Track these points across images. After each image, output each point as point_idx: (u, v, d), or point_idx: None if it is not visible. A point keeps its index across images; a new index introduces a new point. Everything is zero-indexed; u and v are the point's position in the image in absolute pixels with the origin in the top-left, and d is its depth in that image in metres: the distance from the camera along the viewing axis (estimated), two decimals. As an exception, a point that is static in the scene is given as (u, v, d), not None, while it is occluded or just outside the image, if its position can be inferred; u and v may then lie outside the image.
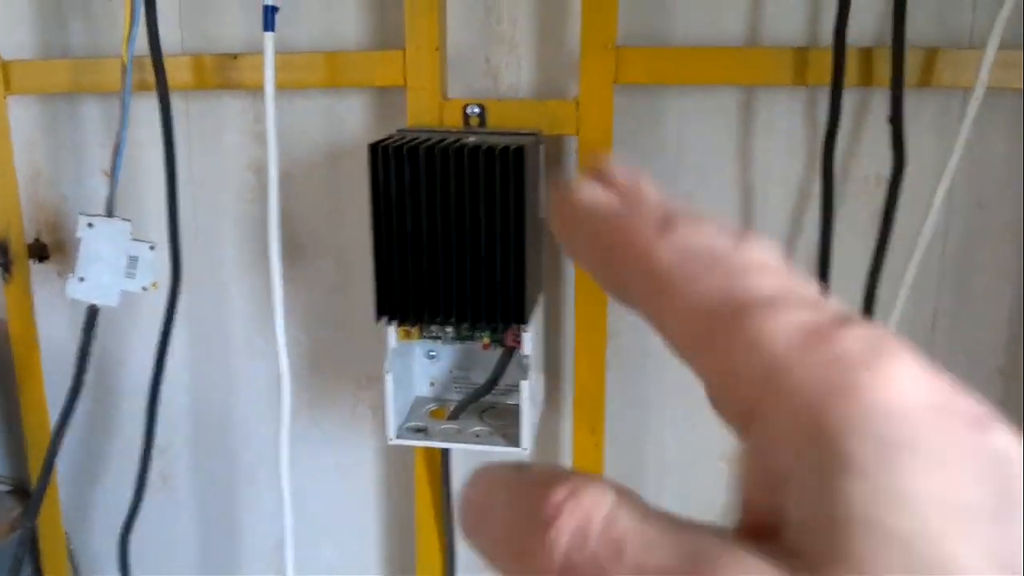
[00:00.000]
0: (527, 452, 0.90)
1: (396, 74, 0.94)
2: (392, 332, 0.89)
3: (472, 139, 0.84)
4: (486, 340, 0.90)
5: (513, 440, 0.91)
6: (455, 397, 1.00)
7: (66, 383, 1.14)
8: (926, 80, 0.87)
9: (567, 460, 1.11)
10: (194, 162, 1.08)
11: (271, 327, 1.12)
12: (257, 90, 1.03)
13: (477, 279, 0.83)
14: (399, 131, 0.90)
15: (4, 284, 1.06)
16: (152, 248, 0.92)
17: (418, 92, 0.94)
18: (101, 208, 1.10)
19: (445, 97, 0.94)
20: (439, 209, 0.82)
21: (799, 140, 0.98)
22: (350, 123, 1.04)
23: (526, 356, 0.88)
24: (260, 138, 1.06)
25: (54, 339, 1.16)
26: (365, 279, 1.08)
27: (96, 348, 1.15)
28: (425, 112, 0.94)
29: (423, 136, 0.85)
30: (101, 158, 1.09)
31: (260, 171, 1.07)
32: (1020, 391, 1.02)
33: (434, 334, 0.91)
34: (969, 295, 1.00)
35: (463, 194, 0.81)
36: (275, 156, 0.90)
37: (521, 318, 0.84)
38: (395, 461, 1.16)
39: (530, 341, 0.87)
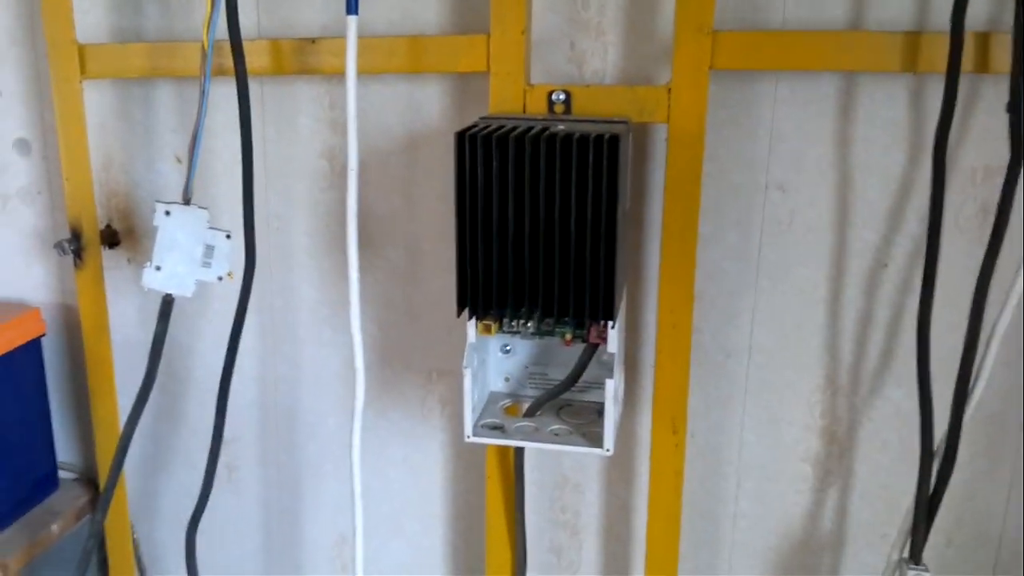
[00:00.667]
0: (610, 453, 0.86)
1: (479, 59, 0.91)
2: (472, 327, 0.86)
3: (561, 127, 0.80)
4: (568, 336, 0.86)
5: (595, 440, 0.88)
6: (530, 393, 0.96)
7: (135, 372, 1.13)
8: (1047, 66, 0.81)
9: (644, 460, 1.07)
10: (268, 149, 1.06)
11: (341, 317, 1.10)
12: (333, 75, 1.01)
13: (565, 273, 0.79)
14: (482, 118, 0.86)
15: (76, 271, 1.05)
16: (229, 237, 0.90)
17: (502, 78, 0.90)
18: (173, 195, 1.08)
19: (529, 83, 0.91)
20: (527, 199, 0.78)
21: (902, 129, 0.92)
22: (428, 110, 1.01)
23: (611, 353, 0.85)
24: (335, 125, 1.04)
25: (124, 327, 1.15)
26: (438, 271, 1.06)
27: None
28: (508, 99, 0.91)
29: (509, 124, 0.81)
30: (173, 144, 1.07)
31: (334, 158, 1.05)
32: None
33: (514, 329, 0.88)
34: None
35: (553, 184, 0.77)
36: (355, 143, 0.87)
37: (610, 314, 0.80)
38: (465, 457, 1.13)
39: (615, 338, 0.84)
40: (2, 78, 1.12)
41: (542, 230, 0.78)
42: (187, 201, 0.89)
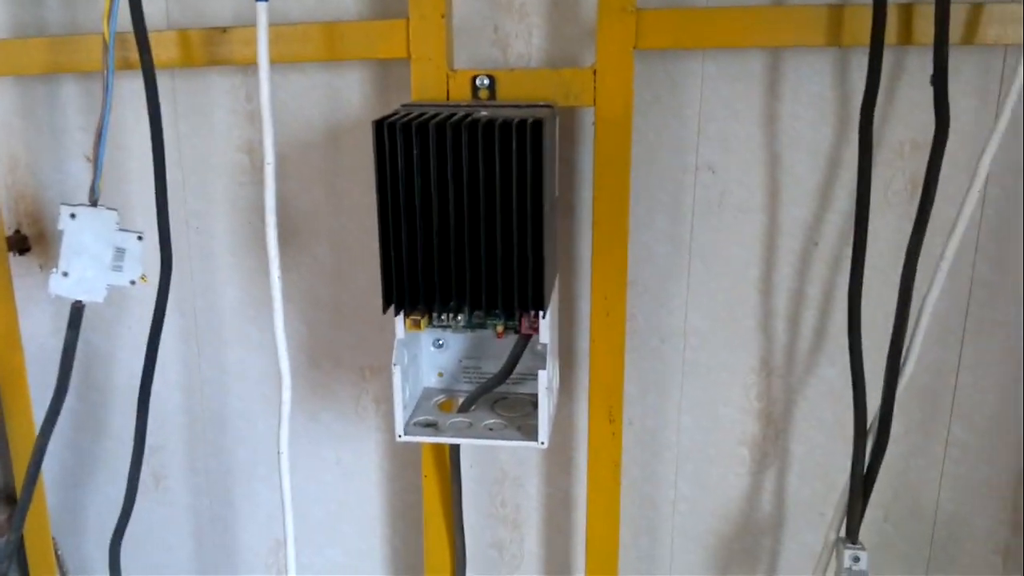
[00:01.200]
0: (545, 446, 0.84)
1: (399, 45, 0.88)
2: (400, 322, 0.83)
3: (484, 113, 0.78)
4: (500, 328, 0.84)
5: (530, 433, 0.86)
6: (466, 388, 0.94)
7: (50, 381, 1.07)
8: (969, 38, 0.81)
9: (583, 450, 1.06)
10: (182, 144, 1.01)
11: (267, 317, 1.06)
12: (249, 65, 0.97)
13: (492, 263, 0.77)
14: (404, 106, 0.83)
15: (-18, 279, 1.00)
16: (140, 238, 0.86)
17: (423, 64, 0.88)
18: (85, 196, 1.03)
19: (452, 69, 0.88)
20: (451, 189, 0.75)
21: (829, 104, 0.92)
22: (348, 99, 0.98)
23: (543, 344, 0.83)
24: (252, 117, 1.00)
25: (37, 336, 1.09)
26: (366, 265, 1.03)
27: (81, 343, 1.09)
28: (431, 85, 0.88)
29: (431, 111, 0.79)
30: (83, 143, 1.02)
31: (253, 152, 1.01)
32: (1061, 368, 0.97)
33: (444, 323, 0.85)
34: (1007, 266, 0.94)
35: (476, 172, 0.75)
36: (271, 136, 0.83)
37: (540, 304, 0.78)
38: (401, 456, 1.11)
39: (547, 328, 0.82)
40: None
41: (467, 220, 0.76)
42: (94, 202, 0.84)
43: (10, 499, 1.19)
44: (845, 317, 0.96)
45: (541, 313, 0.79)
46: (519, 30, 0.94)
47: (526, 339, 0.86)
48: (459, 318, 0.84)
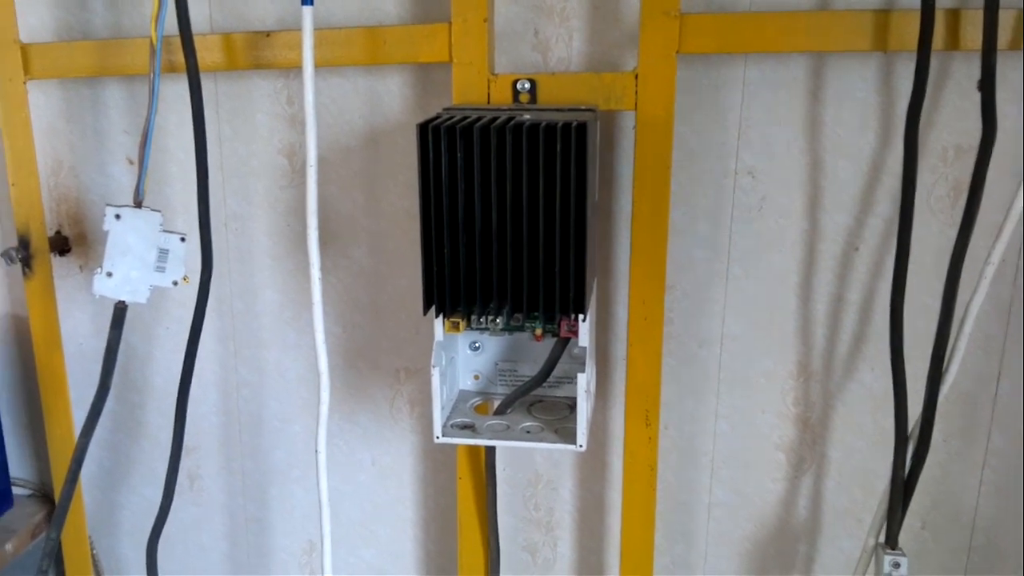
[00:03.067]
0: (583, 449, 0.84)
1: (441, 49, 0.88)
2: (439, 324, 0.83)
3: (527, 116, 0.78)
4: (539, 331, 0.84)
5: (568, 436, 0.86)
6: (501, 391, 0.94)
7: (89, 381, 1.09)
8: (1016, 43, 0.81)
9: (618, 454, 1.06)
10: (224, 147, 1.02)
11: (305, 319, 1.07)
12: (291, 69, 0.98)
13: (534, 266, 0.77)
14: (446, 110, 0.84)
15: (25, 280, 1.01)
16: (183, 240, 0.87)
17: (465, 68, 0.88)
18: (126, 198, 1.04)
19: (493, 73, 0.88)
20: (494, 192, 0.76)
21: (872, 110, 0.91)
22: (389, 103, 0.98)
23: (582, 347, 0.83)
24: (293, 121, 1.00)
25: (77, 337, 1.11)
26: (403, 268, 1.04)
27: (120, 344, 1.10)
28: (472, 89, 0.88)
29: (473, 114, 0.79)
30: (126, 145, 1.03)
31: (293, 155, 1.02)
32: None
33: (482, 325, 0.85)
34: (1051, 276, 0.94)
35: (520, 175, 0.75)
36: (313, 139, 0.84)
37: (581, 308, 0.78)
38: (436, 458, 1.11)
39: (587, 331, 0.82)
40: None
41: (509, 223, 0.76)
42: (138, 204, 0.85)
43: (46, 498, 1.21)
44: (885, 322, 0.96)
45: (581, 316, 0.79)
46: (560, 34, 0.94)
47: (564, 342, 0.86)
48: (497, 321, 0.84)
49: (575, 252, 0.76)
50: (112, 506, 1.20)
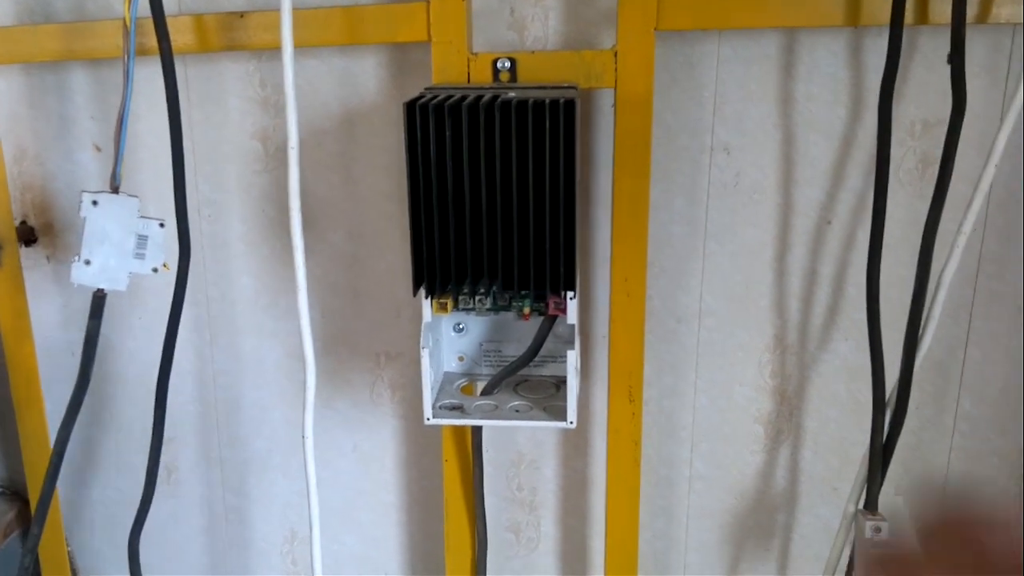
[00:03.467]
0: (574, 425, 0.85)
1: (420, 28, 0.88)
2: (427, 306, 0.83)
3: (512, 94, 0.78)
4: (527, 310, 0.84)
5: (557, 413, 0.86)
6: (486, 372, 0.94)
7: (59, 375, 1.07)
8: (982, 17, 0.83)
9: (600, 432, 1.07)
10: (195, 132, 1.00)
11: (282, 305, 1.06)
12: (263, 51, 0.96)
13: (524, 244, 0.77)
14: (428, 89, 0.83)
15: (-7, 272, 0.98)
16: (162, 226, 0.85)
17: (444, 47, 0.88)
18: (94, 185, 1.02)
19: (472, 52, 0.88)
20: (483, 170, 0.76)
21: (843, 84, 0.93)
22: (365, 84, 0.98)
23: (571, 324, 0.83)
24: (266, 104, 0.99)
25: (45, 329, 1.08)
26: (382, 251, 1.03)
27: (84, 334, 1.08)
28: (451, 69, 0.88)
29: (458, 93, 0.79)
30: (92, 131, 1.01)
31: (267, 139, 1.00)
32: (1068, 340, 1.00)
33: (469, 306, 0.85)
34: (1015, 239, 0.97)
35: (510, 153, 0.75)
36: (295, 121, 0.83)
37: (571, 284, 0.79)
38: (418, 441, 1.11)
39: (575, 308, 0.82)
40: None
41: (499, 201, 0.76)
42: (115, 190, 0.83)
43: (16, 496, 1.18)
44: (857, 294, 0.98)
45: (571, 294, 0.80)
46: (535, 13, 0.94)
47: (552, 320, 0.87)
48: (485, 301, 0.85)
49: (565, 229, 0.76)
50: (84, 501, 1.18)
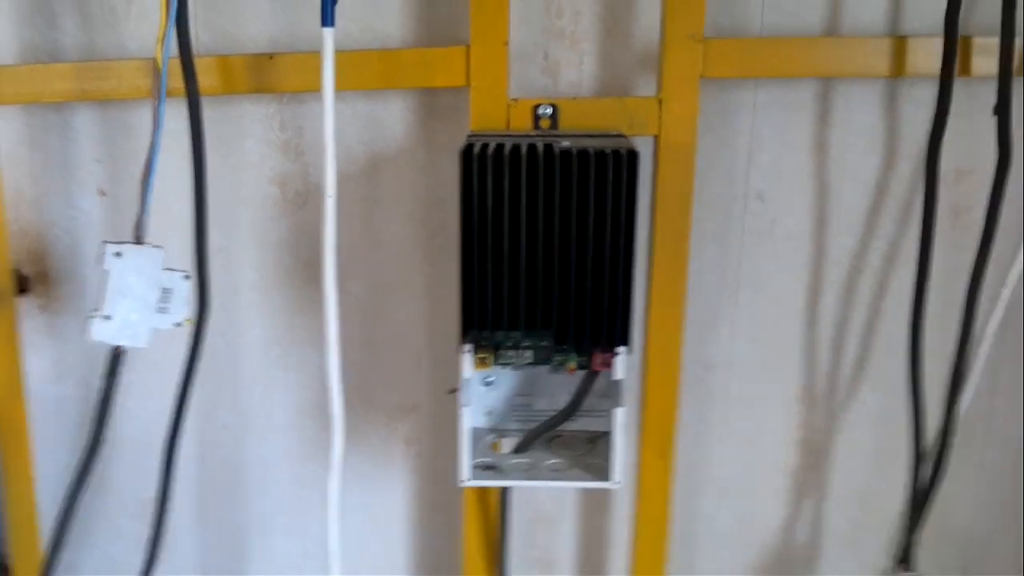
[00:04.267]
0: (620, 485, 0.81)
1: (458, 73, 0.84)
2: (468, 360, 0.79)
3: (566, 143, 0.75)
4: (572, 364, 0.81)
5: (598, 472, 0.82)
6: (515, 427, 0.90)
7: (50, 433, 0.99)
8: (1019, 70, 0.84)
9: (623, 487, 1.03)
10: (209, 175, 0.95)
11: (294, 357, 1.01)
12: (284, 94, 0.92)
13: (582, 296, 0.74)
14: (472, 136, 0.80)
15: (-13, 324, 0.91)
16: (187, 278, 0.80)
17: (483, 93, 0.85)
18: (97, 233, 0.97)
19: (512, 97, 0.85)
20: (541, 221, 0.73)
21: (878, 133, 0.93)
22: (391, 128, 0.94)
23: (619, 380, 0.80)
24: (286, 148, 0.95)
25: (35, 385, 1.00)
26: (403, 301, 0.99)
27: (83, 390, 1.01)
28: (490, 114, 0.85)
29: (509, 141, 0.76)
30: (97, 175, 0.95)
31: (285, 185, 0.96)
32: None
33: (510, 359, 0.82)
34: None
35: (569, 203, 0.72)
36: (333, 168, 0.79)
37: (627, 339, 0.76)
38: (433, 500, 1.06)
39: (623, 365, 0.79)
40: None
41: (557, 252, 0.73)
42: (139, 240, 0.78)
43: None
44: (886, 344, 0.98)
45: (624, 349, 0.77)
46: (570, 57, 0.92)
47: (594, 376, 0.83)
48: (526, 354, 0.81)
49: (624, 282, 0.74)
50: (68, 566, 1.09)
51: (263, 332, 1.00)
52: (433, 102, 0.93)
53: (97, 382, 0.99)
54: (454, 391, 1.02)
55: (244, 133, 0.94)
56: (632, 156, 0.71)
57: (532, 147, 0.73)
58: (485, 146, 0.72)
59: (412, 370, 1.01)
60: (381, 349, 1.00)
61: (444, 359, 1.00)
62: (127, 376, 0.99)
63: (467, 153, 0.72)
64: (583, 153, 0.71)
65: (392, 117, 0.94)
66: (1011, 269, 0.85)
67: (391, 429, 1.04)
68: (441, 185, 0.95)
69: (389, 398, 1.02)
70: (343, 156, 0.94)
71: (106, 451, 1.02)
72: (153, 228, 0.93)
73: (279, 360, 1.01)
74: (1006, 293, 0.85)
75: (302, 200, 0.96)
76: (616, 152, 0.71)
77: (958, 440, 1.00)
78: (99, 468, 1.03)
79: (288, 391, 1.02)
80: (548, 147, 0.73)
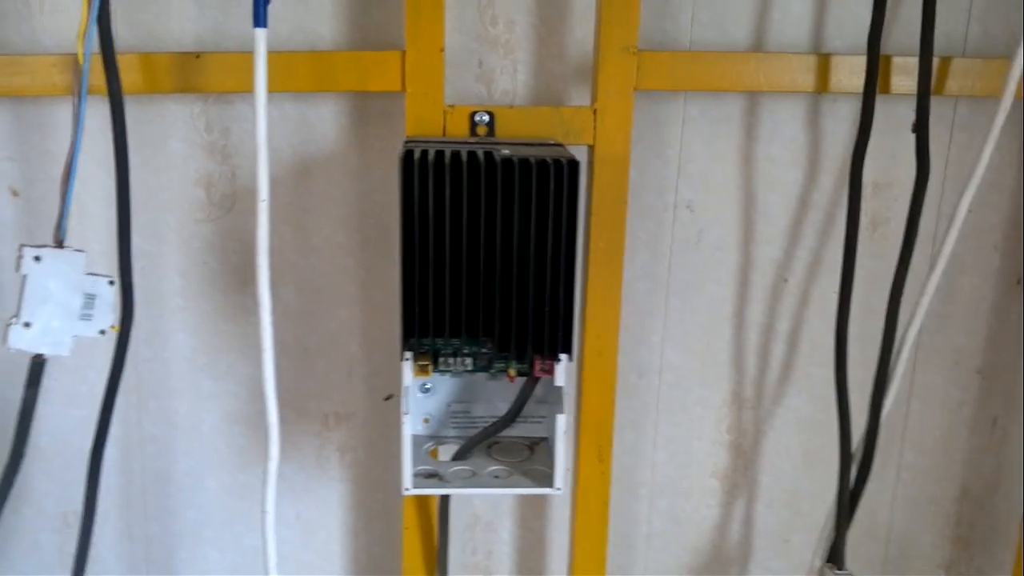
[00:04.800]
0: (561, 491, 0.82)
1: (393, 78, 0.84)
2: (408, 367, 0.78)
3: (505, 151, 0.75)
4: (512, 371, 0.81)
5: (539, 479, 0.83)
6: (453, 434, 0.90)
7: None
8: (937, 89, 0.87)
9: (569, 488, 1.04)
10: (131, 177, 0.91)
11: (221, 364, 0.98)
12: (210, 94, 0.90)
13: (524, 304, 0.74)
14: (409, 141, 0.80)
15: None
16: (112, 283, 0.77)
17: (419, 98, 0.84)
18: (9, 234, 0.92)
19: (448, 104, 0.85)
20: (483, 228, 0.72)
21: (801, 147, 0.96)
22: (322, 132, 0.92)
23: (559, 387, 0.80)
24: (212, 149, 0.92)
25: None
26: (334, 307, 0.97)
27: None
28: (426, 120, 0.84)
29: (447, 147, 0.75)
30: (8, 174, 0.91)
31: (211, 186, 0.93)
32: (999, 392, 1.05)
33: (450, 367, 0.81)
34: (954, 298, 1.02)
35: (511, 211, 0.72)
36: (265, 170, 0.77)
37: (568, 346, 0.76)
38: (368, 508, 1.04)
39: (564, 371, 0.80)
40: None
41: (499, 260, 0.73)
42: (60, 243, 0.74)
43: None
44: (811, 350, 1.01)
45: (567, 356, 0.77)
46: (504, 65, 0.92)
47: (535, 382, 0.83)
48: (467, 362, 0.81)
49: (565, 290, 0.74)
50: (-22, 588, 1.05)
51: (190, 339, 0.97)
52: (365, 106, 0.92)
53: (11, 392, 0.95)
54: (390, 398, 1.02)
55: (168, 134, 0.91)
56: (573, 165, 0.72)
57: (473, 154, 0.72)
58: (425, 152, 0.72)
59: (344, 377, 1.00)
60: (313, 356, 0.99)
61: (378, 366, 0.99)
62: (45, 382, 0.96)
63: (408, 159, 0.71)
64: (524, 161, 0.71)
65: (323, 121, 0.92)
66: (930, 277, 0.88)
67: (324, 438, 1.02)
68: (374, 190, 0.94)
69: (321, 406, 1.01)
70: (273, 159, 0.92)
71: (25, 462, 0.98)
72: (74, 229, 0.90)
73: (206, 367, 0.98)
74: (925, 300, 0.89)
75: (229, 203, 0.94)
76: (557, 161, 0.72)
77: (881, 442, 1.05)
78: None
79: (216, 399, 0.99)
80: (489, 155, 0.73)
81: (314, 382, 0.99)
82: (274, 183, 0.93)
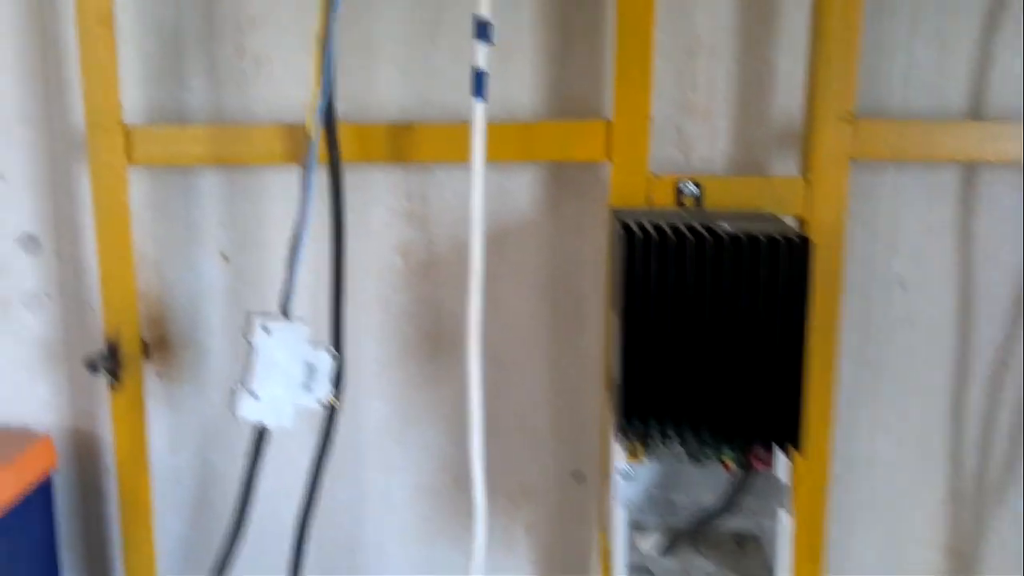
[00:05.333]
0: (786, 597, 0.76)
1: (597, 148, 0.83)
2: (620, 452, 0.76)
3: (725, 226, 0.72)
4: (728, 461, 0.77)
5: (759, 579, 0.78)
6: (652, 520, 0.85)
7: (165, 504, 0.97)
8: None
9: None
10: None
11: (413, 434, 0.97)
12: (411, 163, 0.90)
13: (748, 388, 0.71)
14: (617, 212, 0.78)
15: (112, 392, 0.89)
16: (334, 356, 0.77)
17: (623, 168, 0.82)
18: (217, 298, 0.95)
19: (652, 173, 0.83)
20: (707, 308, 0.69)
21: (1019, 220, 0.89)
22: (518, 200, 0.92)
23: (784, 483, 0.76)
24: (411, 217, 0.93)
25: (151, 453, 0.98)
26: (523, 379, 0.95)
27: (197, 463, 0.99)
28: (630, 190, 0.83)
29: (664, 219, 0.73)
30: (220, 239, 0.94)
31: (409, 254, 0.94)
32: None
33: (661, 452, 0.78)
34: None
35: (738, 291, 0.69)
36: (480, 239, 0.76)
37: (795, 436, 0.72)
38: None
39: (786, 464, 0.75)
40: (4, 161, 0.96)
41: (723, 341, 0.70)
42: (286, 314, 0.76)
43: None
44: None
45: (795, 447, 0.73)
46: (703, 132, 0.90)
47: (751, 474, 0.79)
48: (681, 448, 0.77)
49: (794, 376, 0.70)
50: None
51: (383, 407, 0.97)
52: (560, 174, 0.91)
53: (213, 455, 0.97)
54: (580, 476, 0.97)
55: (370, 202, 0.92)
56: (804, 243, 0.68)
57: (695, 230, 0.70)
58: (646, 229, 0.70)
59: (532, 452, 0.97)
60: (501, 431, 0.96)
61: (566, 442, 0.97)
62: (240, 447, 0.98)
63: (629, 235, 0.69)
64: (754, 239, 0.69)
65: (519, 188, 0.92)
66: None
67: (512, 516, 0.99)
68: (567, 260, 0.93)
69: (509, 482, 0.98)
70: (466, 227, 0.92)
71: (219, 526, 1.00)
72: (275, 294, 0.92)
73: (399, 436, 0.98)
74: None
75: (424, 270, 0.94)
76: (788, 239, 0.68)
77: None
78: (211, 544, 1.00)
79: (407, 469, 0.98)
80: (711, 230, 0.70)
81: (502, 457, 0.97)
82: (466, 250, 0.93)
